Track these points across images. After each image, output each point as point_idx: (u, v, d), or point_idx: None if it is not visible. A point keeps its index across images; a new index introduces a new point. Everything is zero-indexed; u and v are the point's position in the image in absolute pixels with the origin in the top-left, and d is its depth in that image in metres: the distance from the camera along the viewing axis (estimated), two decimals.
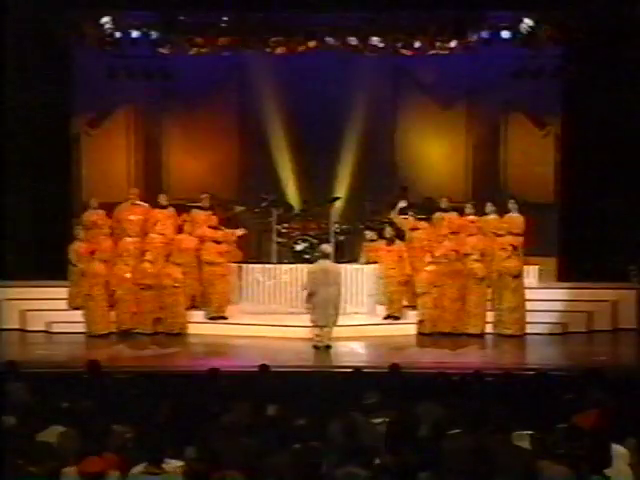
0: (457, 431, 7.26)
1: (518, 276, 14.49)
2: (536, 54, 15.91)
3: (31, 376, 9.79)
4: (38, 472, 6.33)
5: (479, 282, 14.52)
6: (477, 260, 14.60)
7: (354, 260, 15.49)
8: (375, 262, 15.17)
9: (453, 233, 15.14)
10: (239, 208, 15.99)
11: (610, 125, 15.53)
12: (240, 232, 15.24)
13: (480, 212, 15.33)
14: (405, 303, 14.89)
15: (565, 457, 6.52)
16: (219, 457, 6.40)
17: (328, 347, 13.23)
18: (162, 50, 16.08)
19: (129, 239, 14.93)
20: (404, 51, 16.12)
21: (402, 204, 15.63)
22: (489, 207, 15.30)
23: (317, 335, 13.38)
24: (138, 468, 6.41)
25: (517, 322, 14.41)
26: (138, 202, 15.44)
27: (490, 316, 14.56)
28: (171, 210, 15.37)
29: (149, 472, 6.33)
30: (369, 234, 15.50)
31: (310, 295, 13.34)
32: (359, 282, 15.07)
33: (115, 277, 14.58)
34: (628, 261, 15.36)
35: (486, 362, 12.44)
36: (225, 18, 15.91)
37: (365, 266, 15.17)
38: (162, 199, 15.43)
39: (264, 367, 9.81)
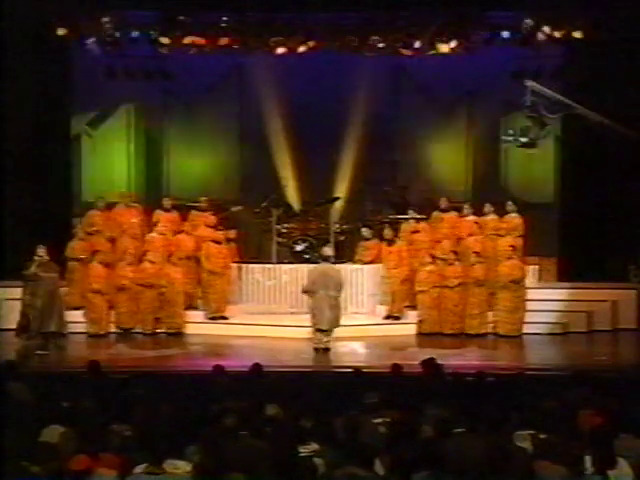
0: (457, 431, 7.26)
1: (519, 279, 14.50)
2: (536, 54, 15.91)
3: (31, 376, 9.79)
4: (39, 472, 6.32)
5: (479, 282, 14.53)
6: (476, 261, 14.61)
7: (352, 260, 15.48)
8: (371, 261, 15.16)
9: (453, 233, 15.18)
10: (236, 208, 16.01)
11: (610, 125, 15.51)
12: (232, 234, 15.24)
13: (478, 212, 15.35)
14: (406, 303, 14.89)
15: (566, 457, 6.51)
16: (223, 457, 6.40)
17: (327, 350, 13.22)
18: (162, 50, 16.09)
19: (129, 239, 14.97)
20: (404, 51, 16.12)
21: (412, 213, 15.62)
22: (487, 207, 15.32)
23: (316, 338, 13.36)
24: (138, 468, 6.41)
25: (517, 322, 14.42)
26: (132, 204, 15.49)
27: (490, 316, 14.56)
28: (174, 213, 15.40)
29: (150, 472, 6.33)
30: (365, 232, 15.50)
31: (307, 292, 13.34)
32: (359, 282, 15.07)
33: (116, 277, 14.61)
34: (628, 261, 15.36)
35: (486, 362, 12.43)
36: (225, 18, 15.92)
37: (365, 266, 15.17)
38: (166, 202, 15.48)
39: (257, 366, 9.78)
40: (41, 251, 13.62)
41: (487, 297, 14.60)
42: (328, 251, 14.01)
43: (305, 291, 13.51)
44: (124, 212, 15.42)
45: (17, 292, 14.62)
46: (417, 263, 14.93)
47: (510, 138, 12.38)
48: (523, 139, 12.08)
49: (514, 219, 15.10)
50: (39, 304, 13.34)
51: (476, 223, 15.23)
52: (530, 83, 11.86)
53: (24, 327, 13.41)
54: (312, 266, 14.01)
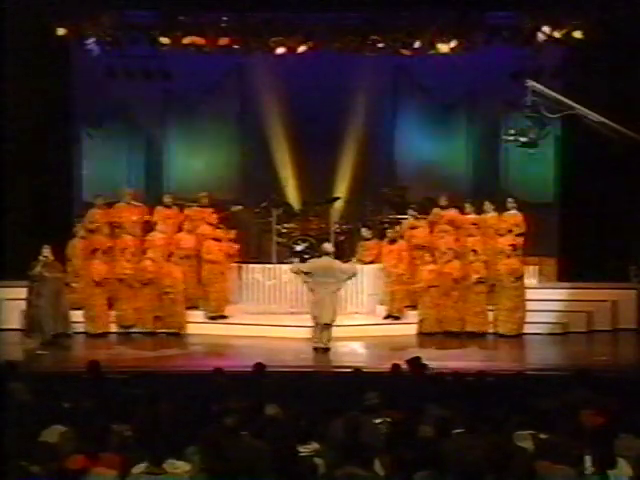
0: (458, 431, 7.27)
1: (519, 278, 14.51)
2: (536, 54, 15.90)
3: (31, 376, 9.79)
4: (39, 472, 6.33)
5: (479, 280, 14.53)
6: (476, 260, 14.62)
7: (352, 259, 15.49)
8: (371, 261, 15.18)
9: (455, 228, 15.19)
10: (236, 207, 16.01)
11: (611, 125, 15.50)
12: (232, 234, 15.23)
13: (479, 211, 15.35)
14: (406, 303, 14.89)
15: (566, 457, 6.52)
16: (223, 457, 6.42)
17: (327, 350, 13.24)
18: (162, 50, 16.08)
19: (129, 237, 14.98)
20: (404, 51, 16.10)
21: (411, 212, 15.66)
22: (487, 205, 15.32)
23: (316, 336, 13.38)
24: (138, 468, 6.41)
25: (517, 322, 14.42)
26: (134, 202, 15.50)
27: (490, 316, 14.57)
28: (175, 210, 15.41)
29: (149, 472, 6.34)
30: (365, 232, 15.51)
31: (307, 275, 13.36)
32: (359, 282, 15.06)
33: (116, 275, 14.61)
34: (628, 261, 15.35)
35: (486, 362, 12.44)
36: (225, 18, 15.91)
37: (365, 266, 15.17)
38: (167, 199, 15.48)
39: (259, 366, 9.79)
40: (46, 251, 13.63)
41: (487, 295, 14.60)
42: (328, 247, 14.01)
43: (305, 273, 13.47)
44: (125, 210, 15.42)
45: (17, 292, 14.66)
46: (417, 262, 14.93)
47: (511, 138, 12.41)
48: (523, 139, 12.11)
49: (514, 216, 15.09)
50: (44, 304, 13.35)
51: (473, 224, 15.21)
52: (531, 83, 11.87)
53: (31, 327, 13.40)
54: (312, 260, 14.01)
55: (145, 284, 14.54)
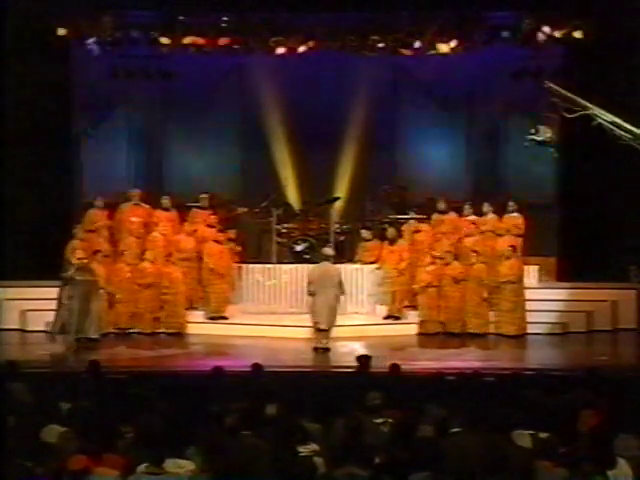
0: (457, 430, 7.27)
1: (519, 279, 14.50)
2: (536, 54, 15.91)
3: (31, 376, 9.79)
4: (39, 472, 6.33)
5: (479, 282, 14.52)
6: (476, 260, 14.62)
7: (352, 260, 15.50)
8: (372, 262, 15.19)
9: (453, 233, 15.17)
10: (242, 209, 16.02)
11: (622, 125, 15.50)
12: (232, 234, 15.21)
13: (478, 212, 15.35)
14: (406, 303, 14.89)
15: (566, 457, 6.51)
16: (223, 457, 6.42)
17: (327, 350, 13.24)
18: (162, 50, 16.09)
19: (130, 239, 14.96)
20: (404, 51, 16.12)
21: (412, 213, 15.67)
22: (486, 207, 15.32)
23: (316, 338, 13.39)
24: (139, 468, 6.41)
25: (517, 322, 14.42)
26: (140, 203, 15.47)
27: (490, 316, 14.57)
28: (173, 212, 15.39)
29: (150, 472, 6.34)
30: (365, 233, 15.51)
31: (310, 295, 13.40)
32: (359, 282, 15.07)
33: (115, 277, 14.60)
34: (628, 261, 15.34)
35: (486, 362, 12.44)
36: (225, 18, 15.93)
37: (365, 266, 15.18)
38: (165, 201, 15.45)
39: (257, 366, 9.79)
40: (80, 254, 13.51)
41: (487, 296, 14.60)
42: (329, 251, 14.02)
43: (309, 292, 13.54)
44: (129, 211, 15.39)
45: (17, 292, 14.69)
46: (418, 263, 14.93)
47: (530, 137, 12.41)
48: (539, 138, 12.13)
49: (514, 218, 15.09)
50: (76, 307, 13.27)
51: (473, 224, 15.22)
52: (548, 84, 11.90)
53: (58, 329, 13.30)
54: (312, 266, 14.02)
55: (145, 287, 14.53)
